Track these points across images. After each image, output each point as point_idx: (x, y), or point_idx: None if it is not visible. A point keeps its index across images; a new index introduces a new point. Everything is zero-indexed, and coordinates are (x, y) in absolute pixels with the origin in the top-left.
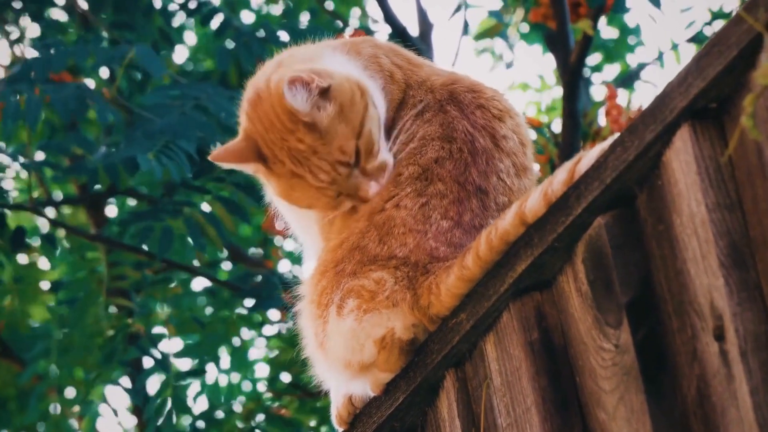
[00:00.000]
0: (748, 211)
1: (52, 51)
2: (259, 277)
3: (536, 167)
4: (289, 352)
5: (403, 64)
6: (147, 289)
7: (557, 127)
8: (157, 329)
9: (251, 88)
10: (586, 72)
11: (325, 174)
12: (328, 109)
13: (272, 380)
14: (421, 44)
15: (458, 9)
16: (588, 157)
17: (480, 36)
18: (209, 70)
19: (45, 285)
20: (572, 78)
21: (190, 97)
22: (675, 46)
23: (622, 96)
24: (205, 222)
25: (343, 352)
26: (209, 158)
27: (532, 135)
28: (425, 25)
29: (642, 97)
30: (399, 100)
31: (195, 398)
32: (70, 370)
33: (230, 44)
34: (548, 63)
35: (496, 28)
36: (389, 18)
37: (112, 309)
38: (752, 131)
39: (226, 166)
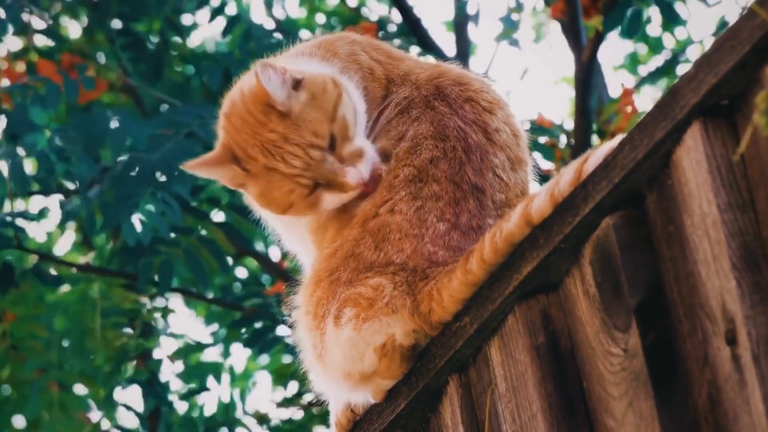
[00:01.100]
0: (760, 211)
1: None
2: (258, 302)
3: (532, 159)
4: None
5: (382, 59)
6: (144, 316)
7: (569, 124)
8: (157, 353)
9: (227, 101)
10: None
11: (298, 159)
12: (300, 97)
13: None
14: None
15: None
16: (596, 155)
17: (499, 38)
18: (228, 50)
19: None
20: (585, 75)
21: (181, 124)
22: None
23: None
24: (204, 251)
25: (343, 363)
26: (182, 167)
27: (542, 138)
28: (462, 19)
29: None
30: (381, 97)
31: (200, 415)
32: (80, 367)
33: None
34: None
35: (507, 33)
36: (403, 10)
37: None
38: (765, 129)
39: (201, 174)
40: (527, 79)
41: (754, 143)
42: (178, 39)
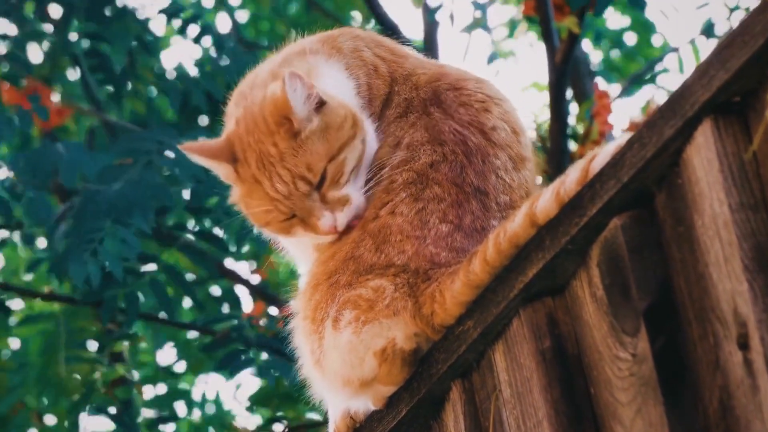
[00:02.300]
0: None
1: None
2: (230, 324)
3: (533, 155)
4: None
5: (386, 56)
6: (110, 345)
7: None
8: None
9: (240, 95)
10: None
11: (283, 185)
12: (314, 122)
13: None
14: (425, 46)
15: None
16: (603, 154)
17: (467, 29)
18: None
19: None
20: (558, 78)
21: (140, 151)
22: (697, 52)
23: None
24: (169, 282)
25: (342, 368)
26: (180, 147)
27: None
28: (430, 26)
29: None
30: (385, 95)
31: None
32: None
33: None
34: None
35: (477, 21)
36: (379, 17)
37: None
38: None
39: (196, 159)
40: (502, 80)
41: (766, 141)
42: (147, 60)
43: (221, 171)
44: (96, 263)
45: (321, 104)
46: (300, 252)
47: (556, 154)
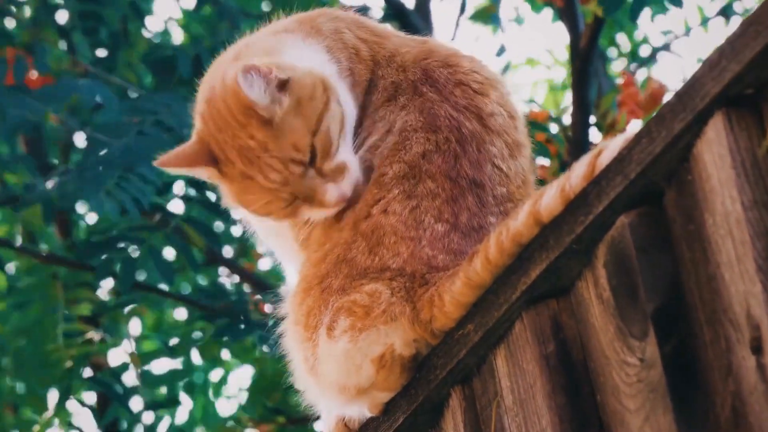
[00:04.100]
0: None
1: None
2: (229, 299)
3: (528, 141)
4: (270, 376)
5: (367, 37)
6: (109, 313)
7: (566, 118)
8: (120, 355)
9: (206, 86)
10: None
11: (276, 173)
12: (284, 102)
13: (251, 406)
14: (419, 19)
15: None
16: (610, 148)
17: (475, 18)
18: (183, 45)
19: None
20: (583, 64)
21: (148, 111)
22: (705, 21)
23: (641, 73)
24: (188, 228)
25: (338, 376)
26: (155, 164)
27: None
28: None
29: (666, 71)
30: (367, 80)
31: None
32: (29, 387)
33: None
34: (559, 36)
35: (489, 9)
36: None
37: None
38: None
39: (174, 171)
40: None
41: None
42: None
43: (204, 175)
44: (113, 201)
45: (284, 83)
46: (285, 251)
47: (578, 144)
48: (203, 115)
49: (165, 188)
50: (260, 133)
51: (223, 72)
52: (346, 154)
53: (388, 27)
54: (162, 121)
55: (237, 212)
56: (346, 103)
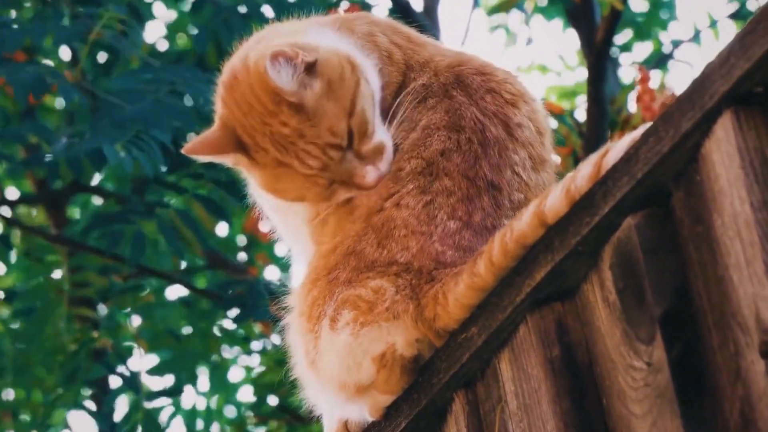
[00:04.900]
0: None
1: (3, 29)
2: (242, 286)
3: (556, 159)
4: (275, 371)
5: (402, 43)
6: (115, 298)
7: (581, 115)
8: (126, 343)
9: (228, 70)
10: (614, 52)
11: (315, 159)
12: (314, 86)
13: (257, 403)
14: (426, 20)
15: None
16: (616, 148)
17: (493, 10)
18: (184, 49)
19: None
20: (598, 59)
21: (164, 81)
22: (714, 23)
23: (654, 78)
24: (180, 223)
25: (338, 372)
26: (182, 151)
27: (553, 123)
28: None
29: (676, 79)
30: (398, 83)
31: (168, 421)
32: (28, 392)
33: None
34: (570, 41)
35: (511, 1)
36: None
37: (75, 321)
38: None
39: (202, 159)
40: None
41: None
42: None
43: (230, 161)
44: (128, 158)
45: (311, 66)
46: (296, 237)
47: (593, 140)
48: (226, 100)
49: (179, 162)
50: (293, 120)
51: (245, 56)
52: (381, 134)
53: (425, 36)
54: (179, 91)
55: (253, 198)
56: (372, 80)
